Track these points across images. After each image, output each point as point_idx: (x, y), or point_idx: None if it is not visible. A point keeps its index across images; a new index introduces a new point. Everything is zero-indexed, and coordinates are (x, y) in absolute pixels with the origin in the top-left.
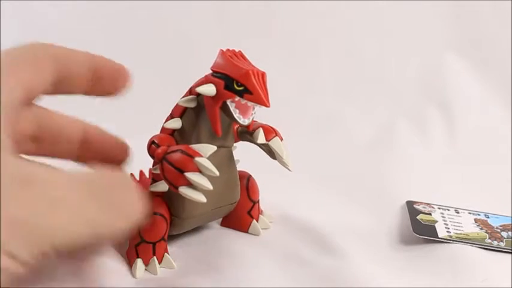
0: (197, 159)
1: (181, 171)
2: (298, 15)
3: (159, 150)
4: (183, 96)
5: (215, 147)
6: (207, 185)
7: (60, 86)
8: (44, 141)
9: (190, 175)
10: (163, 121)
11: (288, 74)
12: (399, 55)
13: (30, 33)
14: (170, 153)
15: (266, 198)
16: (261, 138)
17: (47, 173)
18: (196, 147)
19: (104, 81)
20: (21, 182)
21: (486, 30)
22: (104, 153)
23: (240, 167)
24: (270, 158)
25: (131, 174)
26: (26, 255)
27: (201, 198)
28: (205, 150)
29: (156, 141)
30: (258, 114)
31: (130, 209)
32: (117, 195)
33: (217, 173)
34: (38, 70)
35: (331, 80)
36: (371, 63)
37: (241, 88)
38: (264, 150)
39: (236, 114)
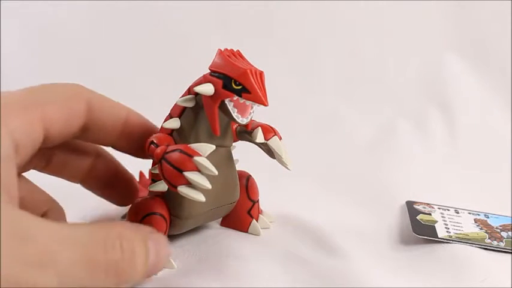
0: (196, 158)
1: (181, 171)
2: (298, 15)
3: (158, 150)
4: (182, 96)
5: (214, 147)
6: (206, 184)
7: (89, 134)
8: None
9: (189, 174)
10: (162, 121)
11: (288, 74)
12: (399, 55)
13: (31, 33)
14: (169, 153)
15: (266, 198)
16: (259, 137)
17: (42, 229)
18: (195, 146)
19: (134, 138)
20: (18, 238)
21: (486, 30)
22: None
23: (239, 166)
24: (270, 158)
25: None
26: None
27: (200, 197)
28: (204, 149)
29: (155, 141)
30: (259, 114)
31: (130, 272)
32: (114, 256)
33: (216, 172)
34: (68, 111)
35: (331, 80)
36: (371, 63)
37: (239, 87)
38: (263, 149)
39: (234, 114)
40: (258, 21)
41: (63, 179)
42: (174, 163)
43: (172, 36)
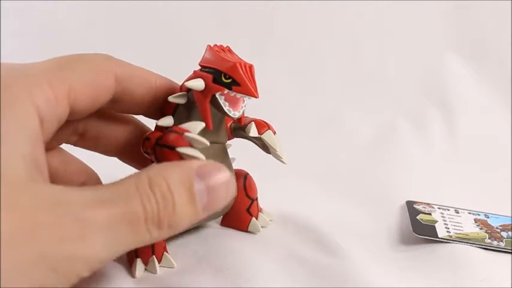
0: (186, 134)
1: (173, 147)
2: (298, 15)
3: (151, 139)
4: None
5: (203, 124)
6: (200, 155)
7: (119, 105)
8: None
9: (181, 149)
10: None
11: (288, 74)
12: (399, 55)
13: (31, 33)
14: (160, 137)
15: (266, 197)
16: (253, 131)
17: (74, 198)
18: (185, 125)
19: (161, 102)
20: (50, 214)
21: (486, 31)
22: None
23: (237, 165)
24: (270, 158)
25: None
26: (60, 284)
27: (199, 155)
28: (194, 127)
29: (149, 137)
30: (259, 114)
31: (174, 220)
32: (151, 207)
33: (208, 143)
34: (96, 87)
35: (332, 79)
36: (371, 63)
37: (229, 80)
38: (257, 144)
39: (226, 107)
40: (258, 21)
41: (98, 153)
42: (166, 143)
43: (172, 36)
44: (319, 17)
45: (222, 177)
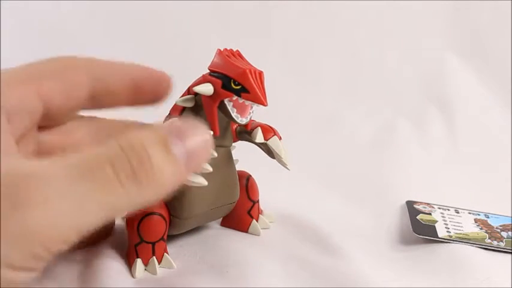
0: None
1: None
2: (298, 15)
3: None
4: (181, 96)
5: (210, 169)
6: (202, 181)
7: (99, 101)
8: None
9: (192, 178)
10: (162, 121)
11: (288, 74)
12: (399, 55)
13: (31, 33)
14: None
15: (266, 198)
16: (259, 137)
17: (35, 167)
18: None
19: (145, 91)
20: (9, 185)
21: (486, 30)
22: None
23: (239, 166)
24: (271, 158)
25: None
26: (28, 261)
27: (202, 180)
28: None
29: None
30: (259, 114)
31: (152, 177)
32: (123, 166)
33: (211, 169)
34: (67, 84)
35: (331, 79)
36: (371, 63)
37: (238, 87)
38: (262, 149)
39: (234, 114)
40: (257, 21)
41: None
42: None
43: (172, 36)
44: (319, 17)
45: (200, 137)
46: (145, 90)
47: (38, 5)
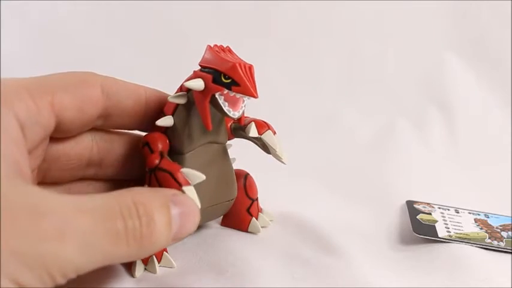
0: (184, 188)
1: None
2: (297, 15)
3: (151, 158)
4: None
5: (204, 177)
6: (197, 202)
7: (110, 120)
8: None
9: (186, 188)
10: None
11: (288, 74)
12: (399, 55)
13: (31, 33)
14: (160, 171)
15: (266, 197)
16: (253, 131)
17: (56, 202)
18: (186, 172)
19: (156, 114)
20: (32, 213)
21: (486, 30)
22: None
23: (237, 165)
24: (271, 158)
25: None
26: (34, 283)
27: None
28: (193, 178)
29: (149, 143)
30: (259, 115)
31: (152, 239)
32: (132, 224)
33: (204, 177)
34: (81, 99)
35: (331, 79)
36: (371, 63)
37: (228, 81)
38: (258, 145)
39: (226, 108)
40: (257, 21)
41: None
42: (164, 186)
43: (172, 36)
44: (319, 17)
45: (193, 207)
46: (156, 114)
47: (38, 5)
